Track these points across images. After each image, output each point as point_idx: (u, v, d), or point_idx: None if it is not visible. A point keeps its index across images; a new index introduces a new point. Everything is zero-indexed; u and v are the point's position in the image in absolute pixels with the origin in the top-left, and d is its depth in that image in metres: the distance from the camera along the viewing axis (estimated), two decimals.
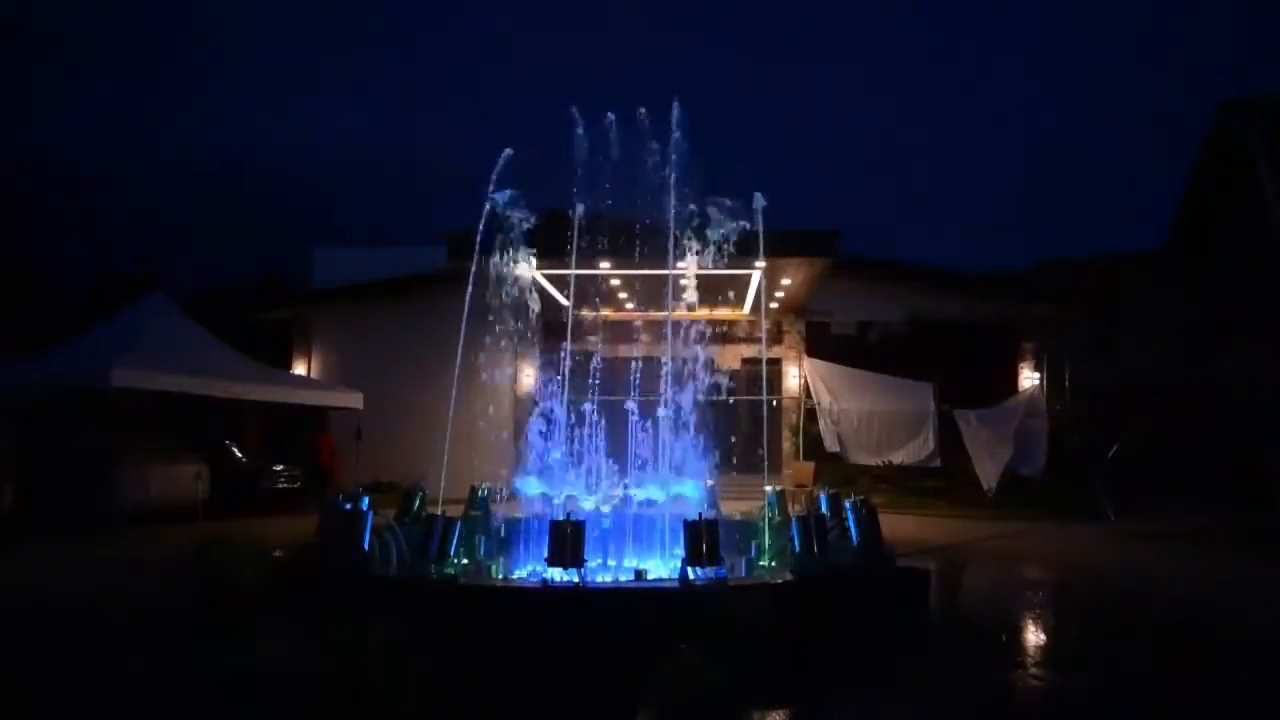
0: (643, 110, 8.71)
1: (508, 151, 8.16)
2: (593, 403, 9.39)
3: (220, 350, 16.20)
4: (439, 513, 7.02)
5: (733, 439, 14.37)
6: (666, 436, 9.21)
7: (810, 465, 17.54)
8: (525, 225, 8.63)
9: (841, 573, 6.81)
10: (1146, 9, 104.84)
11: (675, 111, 8.58)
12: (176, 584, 7.93)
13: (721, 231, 8.69)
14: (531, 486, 8.17)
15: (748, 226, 8.94)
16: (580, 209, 10.02)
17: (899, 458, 18.13)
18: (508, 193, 8.17)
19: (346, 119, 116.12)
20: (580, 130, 8.87)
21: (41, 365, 13.74)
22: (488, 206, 8.19)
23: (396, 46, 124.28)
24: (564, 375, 9.32)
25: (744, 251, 9.74)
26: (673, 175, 8.81)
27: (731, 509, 9.68)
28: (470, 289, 8.72)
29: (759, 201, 8.76)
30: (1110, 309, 19.19)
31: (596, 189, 9.53)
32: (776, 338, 19.75)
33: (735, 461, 14.01)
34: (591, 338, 10.76)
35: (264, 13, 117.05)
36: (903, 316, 19.17)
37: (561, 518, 6.57)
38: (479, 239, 8.35)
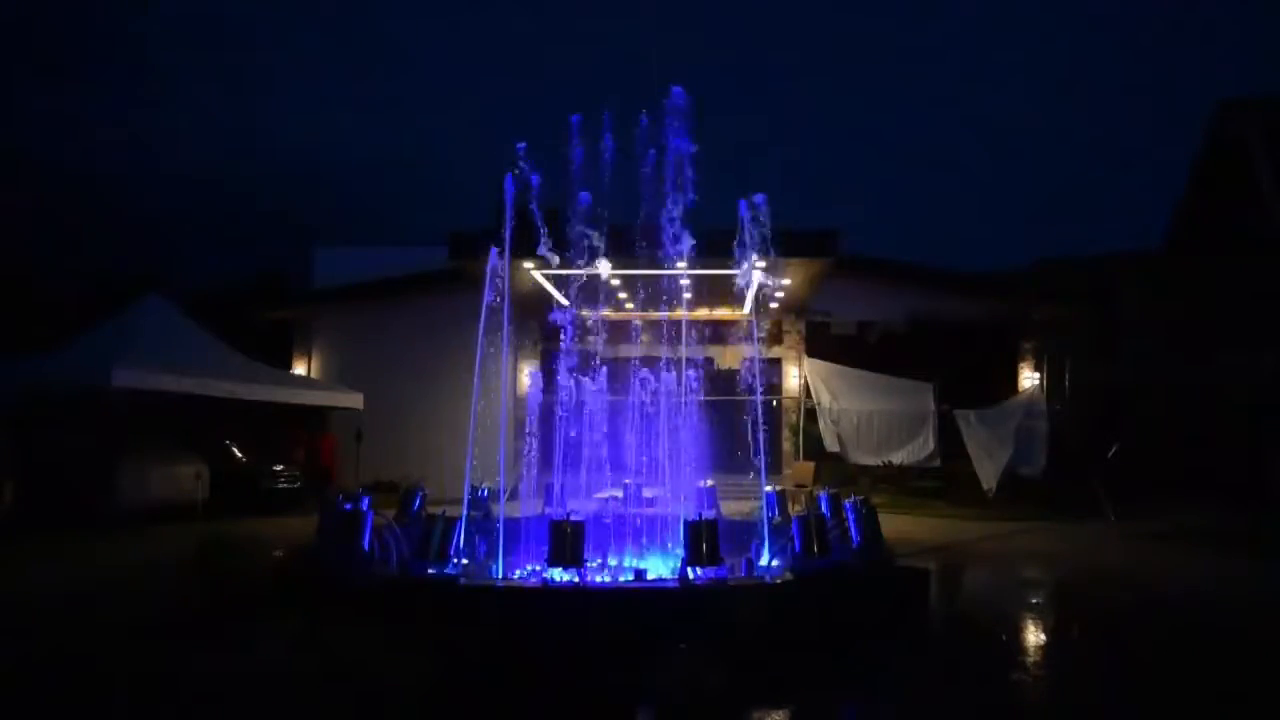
0: (643, 112, 8.70)
1: (510, 153, 8.15)
2: (592, 403, 9.39)
3: (220, 350, 16.20)
4: (439, 513, 7.02)
5: (733, 439, 14.38)
6: (667, 436, 9.22)
7: (810, 465, 17.54)
8: (525, 225, 8.63)
9: (842, 572, 6.81)
10: (1147, 8, 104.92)
11: (672, 109, 8.56)
12: (176, 584, 7.94)
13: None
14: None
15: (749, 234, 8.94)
16: (580, 210, 10.02)
17: (899, 458, 18.13)
18: (510, 193, 8.16)
19: (347, 118, 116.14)
20: (579, 131, 8.87)
21: (42, 365, 13.73)
22: (497, 203, 8.18)
23: (397, 46, 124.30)
24: (563, 375, 9.33)
25: (740, 256, 9.76)
26: (669, 175, 8.81)
27: (731, 509, 9.69)
28: (470, 289, 8.71)
29: (752, 205, 8.72)
30: (1110, 309, 19.18)
31: (595, 190, 9.53)
32: (776, 338, 19.75)
33: (735, 461, 14.03)
34: (591, 338, 10.74)
35: (265, 12, 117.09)
36: (903, 316, 19.17)
37: (561, 518, 6.58)
38: (489, 237, 8.33)
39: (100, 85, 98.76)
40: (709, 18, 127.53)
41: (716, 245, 9.64)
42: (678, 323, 10.78)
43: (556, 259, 9.32)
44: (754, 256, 8.94)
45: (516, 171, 8.13)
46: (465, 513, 7.47)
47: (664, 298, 12.22)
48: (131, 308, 15.58)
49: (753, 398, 17.86)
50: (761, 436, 9.22)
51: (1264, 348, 16.54)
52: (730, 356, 19.70)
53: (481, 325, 8.35)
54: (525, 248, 9.02)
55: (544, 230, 8.86)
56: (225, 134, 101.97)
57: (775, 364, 19.69)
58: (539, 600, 6.10)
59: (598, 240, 10.40)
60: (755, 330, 18.85)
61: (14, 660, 5.93)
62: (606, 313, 17.35)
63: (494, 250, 8.24)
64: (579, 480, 9.52)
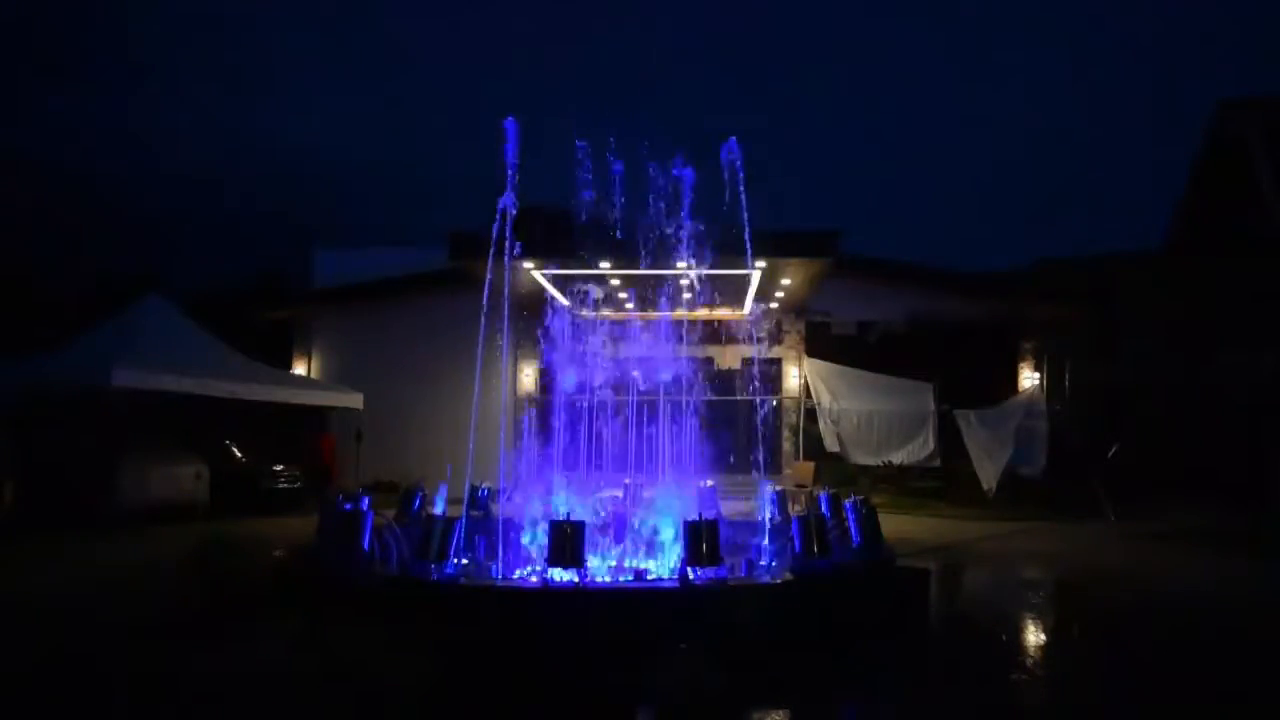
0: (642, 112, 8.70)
1: (510, 154, 8.13)
2: (592, 402, 9.39)
3: (220, 350, 16.20)
4: (439, 513, 7.02)
5: (733, 439, 14.39)
6: (666, 436, 9.21)
7: (810, 465, 17.56)
8: (526, 225, 8.62)
9: (841, 572, 6.81)
10: (1147, 7, 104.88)
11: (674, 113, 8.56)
12: (176, 584, 7.94)
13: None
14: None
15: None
16: (581, 210, 10.02)
17: (899, 458, 18.14)
18: (510, 194, 8.14)
19: (347, 118, 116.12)
20: (578, 131, 8.88)
21: (42, 365, 13.74)
22: (498, 205, 8.17)
23: (397, 46, 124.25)
24: (563, 375, 9.32)
25: (739, 254, 9.76)
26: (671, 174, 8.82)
27: (731, 509, 9.68)
28: (470, 289, 8.71)
29: (733, 151, 8.65)
30: (1110, 309, 19.19)
31: (595, 190, 9.53)
32: (776, 338, 19.76)
33: (735, 461, 14.03)
34: (591, 338, 10.72)
35: (265, 11, 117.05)
36: (903, 316, 19.18)
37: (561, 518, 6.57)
38: (489, 237, 8.31)
39: (100, 85, 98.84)
40: (709, 17, 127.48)
41: (716, 244, 9.64)
42: (678, 323, 10.76)
43: (555, 261, 9.31)
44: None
45: (519, 161, 8.06)
46: (465, 513, 7.48)
47: (664, 298, 12.23)
48: (131, 308, 15.58)
49: (753, 398, 17.96)
50: (762, 436, 9.23)
51: (1264, 348, 16.53)
52: (730, 356, 19.71)
53: (482, 326, 8.35)
54: (526, 246, 9.01)
55: (543, 232, 8.85)
56: (225, 134, 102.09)
57: (775, 364, 19.69)
58: (539, 600, 6.10)
59: (598, 241, 10.41)
60: (757, 330, 18.88)
61: (14, 660, 5.93)
62: (606, 313, 17.37)
63: (495, 251, 8.19)
64: (579, 480, 9.50)
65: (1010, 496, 16.20)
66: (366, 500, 7.20)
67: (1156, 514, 15.00)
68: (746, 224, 9.07)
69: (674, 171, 8.88)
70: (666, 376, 9.43)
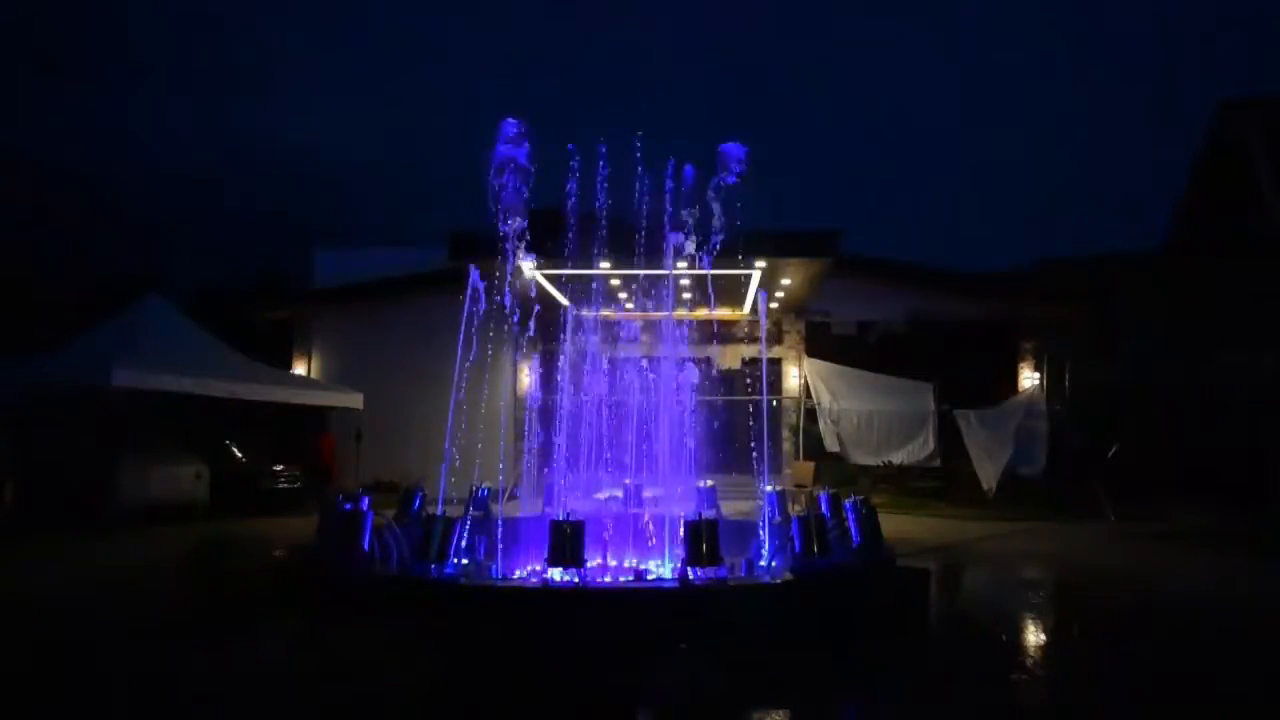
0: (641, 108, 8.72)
1: (509, 155, 8.12)
2: (592, 402, 9.39)
3: (220, 350, 16.21)
4: (439, 513, 7.01)
5: (732, 439, 14.38)
6: (666, 436, 9.21)
7: (810, 465, 17.56)
8: (526, 225, 8.62)
9: (841, 572, 6.81)
10: (1146, 8, 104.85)
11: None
12: (176, 584, 7.93)
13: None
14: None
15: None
16: (578, 208, 10.02)
17: (899, 458, 18.14)
18: (511, 195, 8.13)
19: (347, 118, 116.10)
20: (578, 131, 8.88)
21: (42, 365, 13.74)
22: (493, 205, 8.15)
23: (398, 45, 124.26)
24: (563, 375, 9.32)
25: (740, 251, 9.73)
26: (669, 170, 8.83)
27: (731, 509, 9.69)
28: (471, 289, 8.70)
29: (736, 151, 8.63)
30: (1110, 309, 19.19)
31: (595, 189, 9.54)
32: (776, 338, 19.76)
33: (735, 461, 14.02)
34: (591, 338, 10.74)
35: (265, 11, 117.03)
36: (903, 316, 19.18)
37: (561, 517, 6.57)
38: (489, 237, 8.28)
39: (100, 85, 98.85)
40: (709, 17, 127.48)
41: (716, 244, 9.62)
42: (678, 323, 10.77)
43: (553, 260, 9.30)
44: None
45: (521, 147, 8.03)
46: (469, 513, 7.48)
47: (664, 298, 12.25)
48: (131, 308, 15.59)
49: (753, 398, 17.94)
50: (762, 436, 9.24)
51: (1264, 348, 16.52)
52: (730, 356, 19.71)
53: (465, 321, 8.32)
54: (526, 246, 9.01)
55: (542, 231, 8.84)
56: (225, 134, 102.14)
57: (775, 364, 19.69)
58: (539, 600, 6.10)
59: (598, 241, 10.40)
60: (763, 331, 18.88)
61: (14, 660, 5.93)
62: (606, 313, 17.37)
63: (494, 251, 8.20)
64: (579, 480, 9.51)
65: (1010, 496, 16.20)
66: (366, 500, 7.20)
67: (1156, 514, 15.00)
68: (746, 224, 9.07)
69: (674, 172, 8.89)
70: (666, 376, 9.43)
